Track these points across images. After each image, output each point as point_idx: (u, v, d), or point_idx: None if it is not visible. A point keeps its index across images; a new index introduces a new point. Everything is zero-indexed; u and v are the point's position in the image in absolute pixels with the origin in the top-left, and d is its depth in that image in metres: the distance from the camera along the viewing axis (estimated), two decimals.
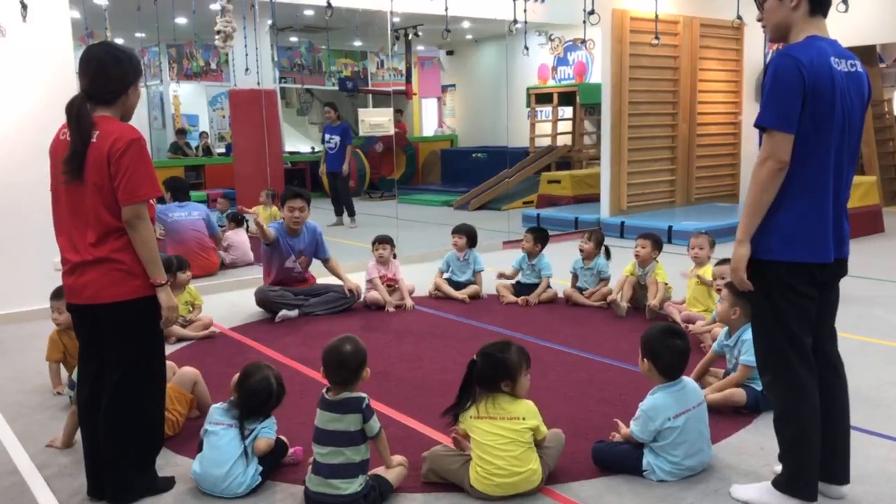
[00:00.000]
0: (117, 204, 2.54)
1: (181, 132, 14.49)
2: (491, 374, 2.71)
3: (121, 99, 2.62)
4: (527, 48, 9.43)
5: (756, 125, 2.42)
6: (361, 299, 5.59)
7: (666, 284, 5.09)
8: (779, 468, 2.62)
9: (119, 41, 13.57)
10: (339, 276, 5.57)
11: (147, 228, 2.58)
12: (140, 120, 16.73)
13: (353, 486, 2.57)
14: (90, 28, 9.00)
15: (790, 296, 2.43)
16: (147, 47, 15.65)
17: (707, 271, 4.69)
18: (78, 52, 3.02)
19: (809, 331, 2.49)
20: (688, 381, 2.95)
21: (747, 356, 3.34)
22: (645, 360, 2.89)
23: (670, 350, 2.85)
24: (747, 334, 3.34)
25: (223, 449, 2.74)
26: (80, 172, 2.53)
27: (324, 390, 2.71)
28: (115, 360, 2.65)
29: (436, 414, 3.42)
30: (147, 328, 2.68)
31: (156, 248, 2.62)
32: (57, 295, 3.68)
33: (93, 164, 2.53)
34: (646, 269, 5.15)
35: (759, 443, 3.09)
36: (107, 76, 2.58)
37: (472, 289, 5.76)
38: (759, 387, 3.27)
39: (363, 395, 2.66)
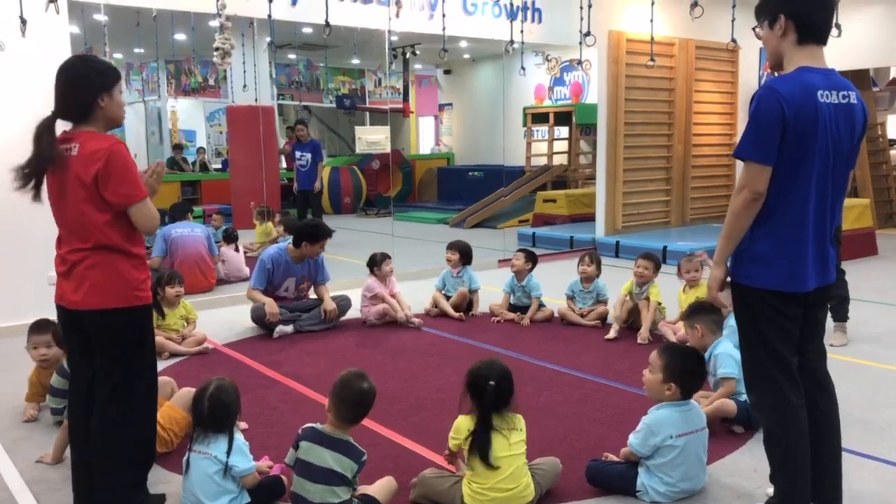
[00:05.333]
0: (104, 212, 2.55)
1: (178, 147, 14.53)
2: (510, 393, 2.71)
3: (93, 113, 2.62)
4: (523, 68, 9.48)
5: (734, 156, 2.47)
6: (344, 317, 5.58)
7: (659, 304, 5.11)
8: (771, 490, 2.62)
9: (118, 56, 13.64)
10: (320, 297, 5.56)
11: (153, 212, 2.64)
12: (137, 135, 16.79)
13: None
14: (89, 44, 9.03)
15: (773, 318, 2.47)
16: (146, 63, 15.73)
17: (703, 291, 4.70)
18: None
19: (794, 351, 2.52)
20: (694, 404, 2.95)
21: (724, 369, 3.46)
22: (663, 378, 2.86)
23: (699, 378, 2.95)
24: (718, 348, 3.53)
25: (205, 482, 2.67)
26: (34, 184, 2.57)
27: (317, 424, 2.66)
28: (104, 373, 2.64)
29: (429, 433, 3.43)
30: (136, 340, 2.67)
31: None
32: (40, 327, 3.65)
33: (75, 177, 2.55)
34: (643, 288, 5.15)
35: (752, 465, 3.09)
36: (71, 93, 2.61)
37: (463, 302, 5.77)
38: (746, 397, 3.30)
39: (364, 451, 2.63)
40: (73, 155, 2.56)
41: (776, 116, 2.34)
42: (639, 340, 4.91)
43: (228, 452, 2.69)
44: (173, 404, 3.31)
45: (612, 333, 5.05)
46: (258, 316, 5.33)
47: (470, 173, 14.22)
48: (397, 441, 3.37)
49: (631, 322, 5.19)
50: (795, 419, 2.47)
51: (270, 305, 5.26)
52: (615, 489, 2.89)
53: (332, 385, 2.67)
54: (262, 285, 5.41)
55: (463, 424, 2.70)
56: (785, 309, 2.45)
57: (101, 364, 2.65)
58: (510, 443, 2.67)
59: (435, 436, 3.37)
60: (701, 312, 3.63)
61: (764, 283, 2.44)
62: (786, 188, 2.40)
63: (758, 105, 2.39)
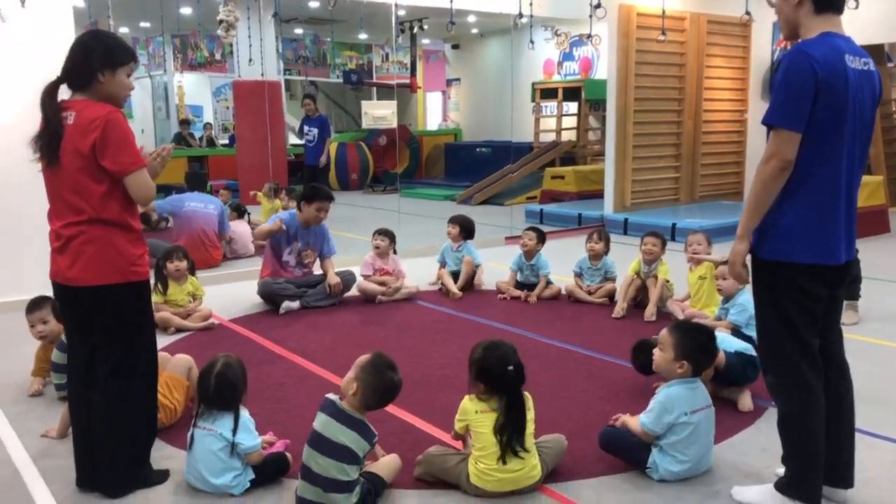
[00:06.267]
0: (102, 183, 2.52)
1: (185, 122, 14.46)
2: (523, 373, 2.68)
3: (92, 85, 2.58)
4: (532, 42, 9.38)
5: (763, 122, 2.37)
6: (348, 293, 5.55)
7: (668, 282, 5.05)
8: (781, 470, 2.58)
9: (123, 31, 13.54)
10: (325, 271, 5.52)
11: (150, 182, 2.59)
12: (144, 109, 16.73)
13: (352, 497, 2.53)
14: (94, 17, 8.94)
15: (798, 298, 2.39)
16: (151, 37, 15.62)
17: (706, 269, 4.65)
18: None
19: (817, 333, 2.45)
20: (700, 382, 2.91)
21: (735, 317, 3.88)
22: (674, 356, 2.81)
23: (710, 351, 2.92)
24: (741, 298, 3.88)
25: (210, 458, 2.66)
26: (53, 154, 2.53)
27: (336, 397, 2.63)
28: (105, 350, 2.62)
29: (434, 409, 3.41)
30: (134, 316, 2.64)
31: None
32: (35, 305, 3.63)
33: (72, 147, 2.52)
34: (651, 266, 5.10)
35: (761, 443, 3.05)
36: (73, 62, 2.60)
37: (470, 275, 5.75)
38: (736, 350, 3.45)
39: (376, 433, 2.61)
40: (69, 123, 2.53)
41: (808, 80, 2.25)
42: (646, 318, 4.87)
43: (234, 430, 2.68)
44: (170, 372, 3.29)
45: (618, 311, 5.00)
46: (267, 291, 5.31)
47: (477, 149, 14.12)
48: (402, 418, 3.35)
49: (640, 300, 5.15)
50: (816, 405, 2.41)
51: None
52: (627, 459, 2.86)
53: (362, 366, 2.60)
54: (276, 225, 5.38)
55: (470, 406, 2.67)
56: (811, 287, 2.38)
57: (101, 341, 2.63)
58: None
59: (440, 412, 3.35)
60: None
61: (793, 257, 2.36)
62: (817, 156, 2.31)
63: (788, 68, 2.29)
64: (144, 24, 14.75)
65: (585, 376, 3.91)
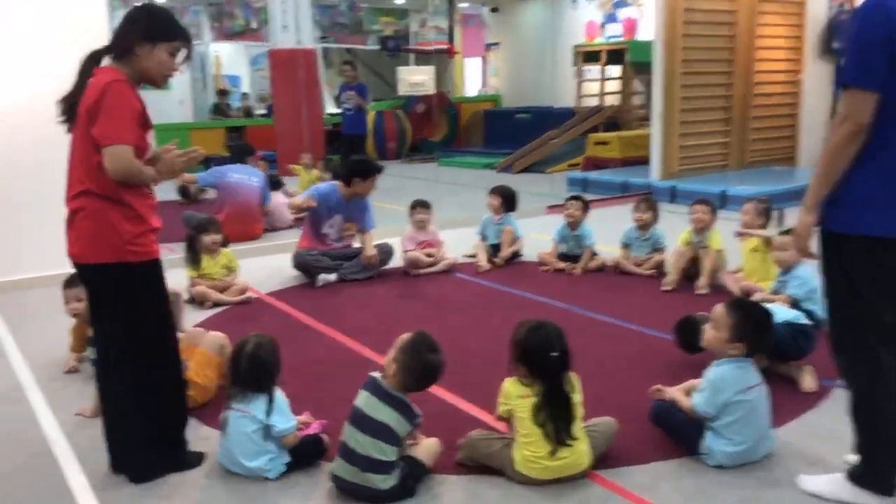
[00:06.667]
0: (97, 152, 2.39)
1: (222, 93, 14.43)
2: (568, 357, 2.53)
3: (126, 57, 2.48)
4: (575, 0, 9.01)
5: (838, 83, 2.15)
6: (391, 264, 5.43)
7: (720, 251, 4.81)
8: (852, 458, 2.39)
9: (160, 1, 13.51)
10: (363, 244, 5.39)
11: (130, 164, 2.39)
12: (182, 81, 16.75)
13: (390, 480, 2.42)
14: None
15: (873, 272, 2.19)
16: (187, 6, 15.56)
17: (755, 242, 4.41)
18: (117, 12, 2.99)
19: (893, 309, 2.23)
20: (750, 360, 2.71)
21: (795, 290, 3.64)
22: (729, 336, 2.61)
23: (768, 333, 2.72)
24: (800, 270, 3.69)
25: (244, 441, 2.57)
26: (69, 115, 2.48)
27: (379, 375, 2.51)
28: (109, 332, 2.53)
29: (477, 389, 3.27)
30: (135, 298, 2.51)
31: (144, 178, 2.48)
32: (72, 282, 3.54)
33: (82, 110, 2.43)
34: (702, 235, 4.86)
35: (826, 427, 2.85)
36: (117, 31, 2.52)
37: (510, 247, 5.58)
38: (785, 320, 3.22)
39: (419, 412, 2.49)
40: (87, 89, 2.44)
41: (882, 32, 2.02)
42: (698, 291, 4.64)
43: (269, 412, 2.57)
44: (202, 349, 3.19)
45: (668, 284, 4.78)
46: (301, 262, 5.21)
47: (517, 116, 13.80)
48: (443, 397, 3.22)
49: (691, 271, 4.92)
50: (887, 385, 2.22)
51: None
52: (677, 439, 2.70)
53: (401, 346, 2.48)
54: (315, 197, 5.25)
55: (513, 390, 2.52)
56: (886, 261, 2.17)
57: (106, 322, 2.54)
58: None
59: (483, 392, 3.20)
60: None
61: (870, 229, 2.15)
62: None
63: (862, 22, 2.07)
64: None
65: (636, 353, 3.73)
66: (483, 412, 3.03)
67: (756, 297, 4.20)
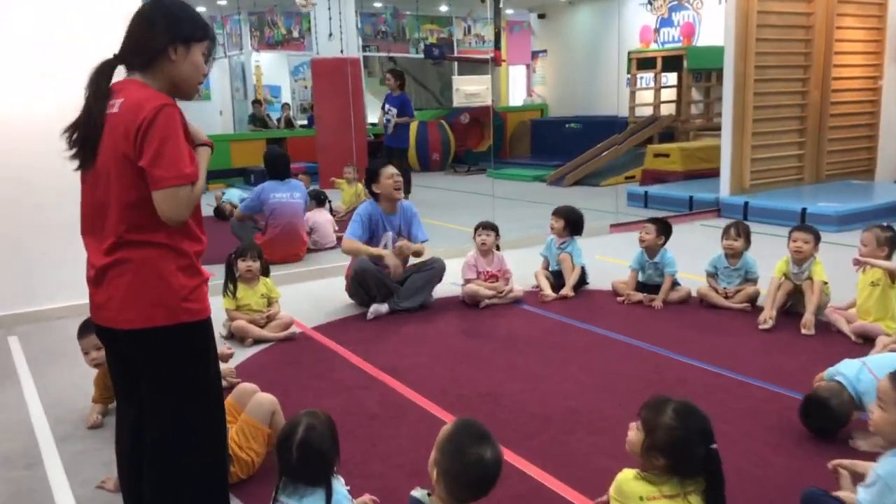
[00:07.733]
0: (144, 192, 1.88)
1: (257, 102, 14.04)
2: None
3: (157, 65, 1.96)
4: None
5: None
6: (441, 293, 4.90)
7: (825, 284, 4.21)
8: None
9: (201, 10, 13.22)
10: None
11: (184, 205, 1.89)
12: (223, 91, 16.51)
13: None
14: None
15: None
16: (228, 15, 15.31)
17: (876, 275, 3.81)
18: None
19: None
20: None
21: None
22: None
23: None
24: None
25: None
26: (88, 152, 1.94)
27: (422, 493, 1.97)
28: (150, 410, 2.03)
29: (564, 459, 2.73)
30: (187, 367, 2.01)
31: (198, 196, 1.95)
32: (87, 328, 3.10)
33: (110, 142, 1.91)
34: (803, 266, 4.26)
35: None
36: (132, 37, 1.99)
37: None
38: None
39: None
40: (113, 112, 1.92)
41: None
42: (803, 331, 4.04)
43: None
44: (249, 417, 2.70)
45: (765, 320, 4.17)
46: (362, 278, 4.64)
47: (567, 125, 13.23)
48: (524, 470, 2.68)
49: (789, 306, 4.32)
50: None
51: (384, 255, 4.70)
52: None
53: (439, 444, 1.94)
54: (363, 235, 4.73)
55: (633, 489, 1.98)
56: None
57: (148, 395, 2.04)
58: None
59: (573, 465, 2.68)
60: None
61: None
62: None
63: None
64: (221, 2, 14.45)
65: (746, 411, 3.14)
66: (575, 493, 2.48)
67: (880, 342, 3.62)
